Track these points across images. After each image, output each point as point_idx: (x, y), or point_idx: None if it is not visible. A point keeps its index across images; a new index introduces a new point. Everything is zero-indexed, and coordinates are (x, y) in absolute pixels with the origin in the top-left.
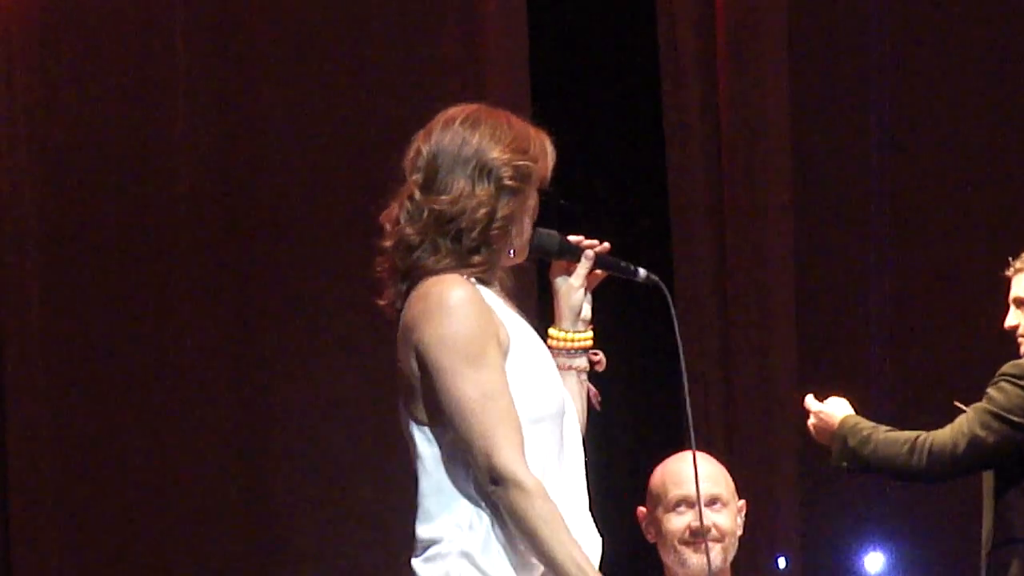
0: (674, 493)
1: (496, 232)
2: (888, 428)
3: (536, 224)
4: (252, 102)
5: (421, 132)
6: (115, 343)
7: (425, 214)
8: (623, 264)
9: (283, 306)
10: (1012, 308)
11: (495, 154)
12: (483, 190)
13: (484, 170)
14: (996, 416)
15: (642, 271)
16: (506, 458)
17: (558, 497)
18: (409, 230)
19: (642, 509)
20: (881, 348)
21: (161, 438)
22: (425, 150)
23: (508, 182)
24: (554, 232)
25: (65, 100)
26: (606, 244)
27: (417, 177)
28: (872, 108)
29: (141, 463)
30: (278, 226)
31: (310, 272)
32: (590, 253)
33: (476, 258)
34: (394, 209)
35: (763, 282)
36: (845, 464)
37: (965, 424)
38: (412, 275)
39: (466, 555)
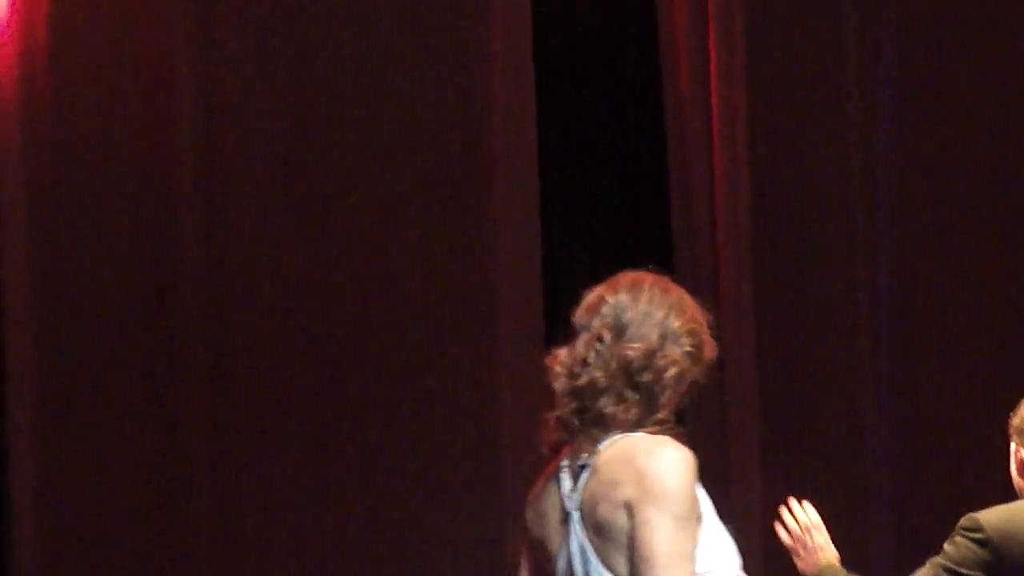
0: None
1: (684, 394)
2: None
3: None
4: None
5: (602, 286)
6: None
7: (614, 362)
8: None
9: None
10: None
11: (679, 322)
12: (673, 350)
13: (671, 334)
14: (948, 571)
15: None
16: None
17: None
18: (598, 374)
19: None
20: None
21: None
22: (612, 300)
23: (690, 348)
24: None
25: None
26: None
27: (606, 323)
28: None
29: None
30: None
31: None
32: None
33: (660, 415)
34: (575, 351)
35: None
36: None
37: None
38: (599, 423)
39: None
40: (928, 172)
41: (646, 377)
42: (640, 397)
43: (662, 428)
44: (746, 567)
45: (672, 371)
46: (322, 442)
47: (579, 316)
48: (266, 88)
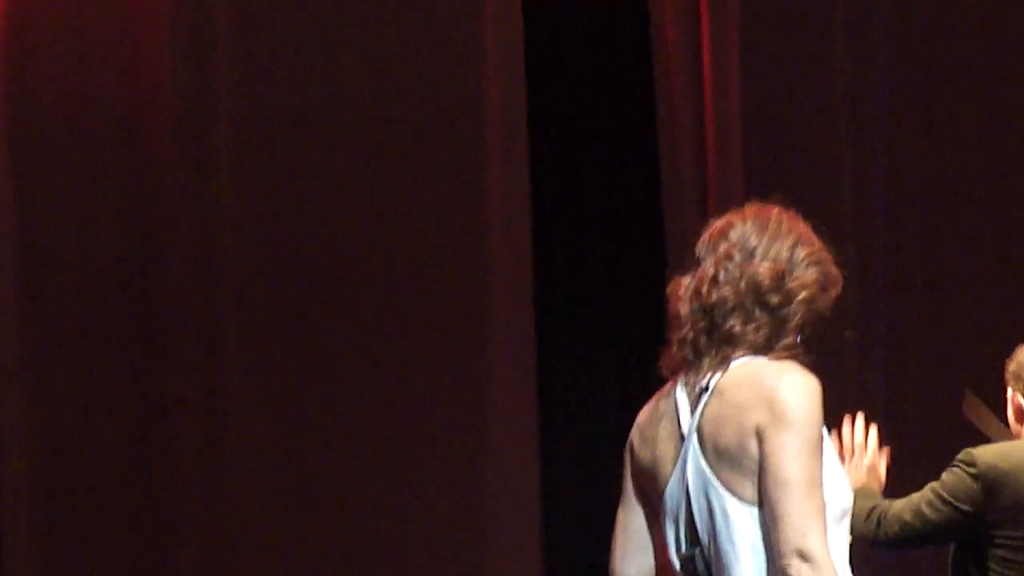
0: None
1: (812, 318)
2: (876, 498)
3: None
4: None
5: (728, 214)
6: None
7: (744, 281)
8: None
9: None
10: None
11: (807, 251)
12: (804, 274)
13: (799, 261)
14: (940, 497)
15: None
16: (820, 542)
17: None
18: (727, 291)
19: None
20: None
21: None
22: (740, 226)
23: (819, 277)
24: None
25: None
26: None
27: (735, 245)
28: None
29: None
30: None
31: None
32: None
33: (788, 340)
34: (702, 272)
35: None
36: None
37: (919, 498)
38: (727, 342)
39: None
40: (919, 175)
41: (775, 299)
42: (769, 318)
43: (790, 354)
44: None
45: (803, 294)
46: (309, 431)
47: (702, 243)
48: (250, 61)
